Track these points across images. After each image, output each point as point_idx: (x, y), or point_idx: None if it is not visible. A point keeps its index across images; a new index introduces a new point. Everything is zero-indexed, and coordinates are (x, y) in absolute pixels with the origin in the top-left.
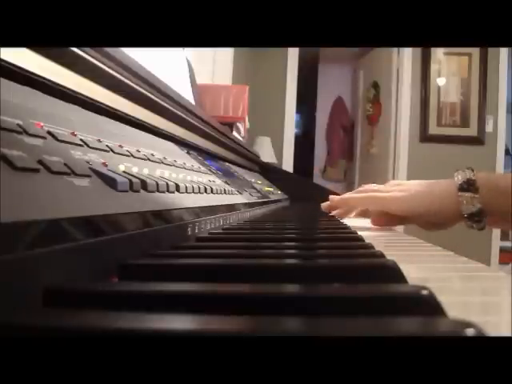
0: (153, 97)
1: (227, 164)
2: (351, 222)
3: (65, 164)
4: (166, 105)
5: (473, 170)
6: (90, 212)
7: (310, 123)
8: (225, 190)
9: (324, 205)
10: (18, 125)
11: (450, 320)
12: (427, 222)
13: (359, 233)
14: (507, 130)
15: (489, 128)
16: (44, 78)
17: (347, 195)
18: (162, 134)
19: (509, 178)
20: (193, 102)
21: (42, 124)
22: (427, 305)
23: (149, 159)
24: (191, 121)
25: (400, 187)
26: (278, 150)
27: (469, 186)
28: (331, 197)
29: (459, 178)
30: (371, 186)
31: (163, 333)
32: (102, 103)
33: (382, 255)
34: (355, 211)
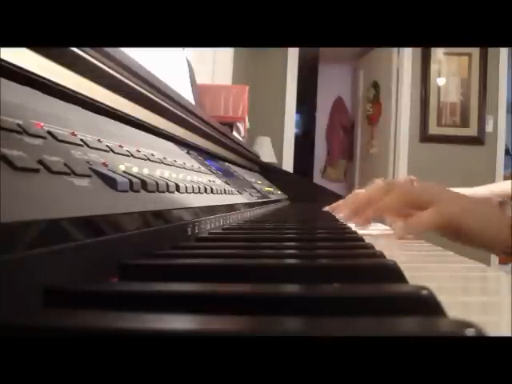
0: (153, 97)
1: (227, 164)
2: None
3: (65, 164)
4: (166, 105)
5: None
6: (90, 212)
7: (310, 123)
8: (225, 189)
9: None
10: (18, 125)
11: (450, 320)
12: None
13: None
14: (507, 130)
15: (489, 128)
16: (44, 78)
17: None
18: (162, 134)
19: None
20: (193, 102)
21: (42, 124)
22: (427, 305)
23: (149, 159)
24: (191, 121)
25: (460, 199)
26: (278, 150)
27: None
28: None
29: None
30: (402, 187)
31: (163, 333)
32: (102, 103)
33: (382, 255)
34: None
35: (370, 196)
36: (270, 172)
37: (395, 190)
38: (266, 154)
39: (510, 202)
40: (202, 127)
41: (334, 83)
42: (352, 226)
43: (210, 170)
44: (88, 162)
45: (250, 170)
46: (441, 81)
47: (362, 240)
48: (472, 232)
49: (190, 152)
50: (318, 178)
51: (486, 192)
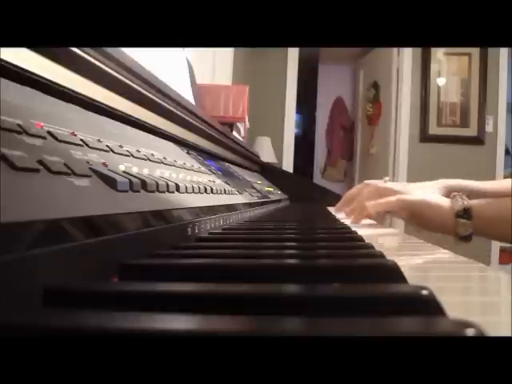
0: (153, 97)
1: (227, 164)
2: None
3: (65, 164)
4: (165, 105)
5: (467, 197)
6: (90, 212)
7: (309, 123)
8: (225, 189)
9: (346, 211)
10: (18, 125)
11: (449, 320)
12: (419, 224)
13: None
14: (507, 130)
15: (489, 128)
16: (44, 78)
17: (370, 203)
18: (162, 134)
19: (499, 205)
20: (193, 102)
21: (42, 124)
22: (427, 305)
23: (149, 159)
24: (191, 121)
25: (413, 190)
26: (278, 150)
27: (465, 213)
28: (351, 209)
29: (458, 204)
30: (377, 184)
31: (163, 333)
32: (102, 103)
33: (381, 255)
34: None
35: (354, 192)
36: (270, 172)
37: (370, 185)
38: (266, 153)
39: (460, 195)
40: (202, 127)
41: (334, 83)
42: (348, 222)
43: (210, 170)
44: (88, 162)
45: (250, 170)
46: (441, 81)
47: (362, 240)
48: (425, 217)
49: (190, 152)
50: (318, 178)
51: (496, 187)
